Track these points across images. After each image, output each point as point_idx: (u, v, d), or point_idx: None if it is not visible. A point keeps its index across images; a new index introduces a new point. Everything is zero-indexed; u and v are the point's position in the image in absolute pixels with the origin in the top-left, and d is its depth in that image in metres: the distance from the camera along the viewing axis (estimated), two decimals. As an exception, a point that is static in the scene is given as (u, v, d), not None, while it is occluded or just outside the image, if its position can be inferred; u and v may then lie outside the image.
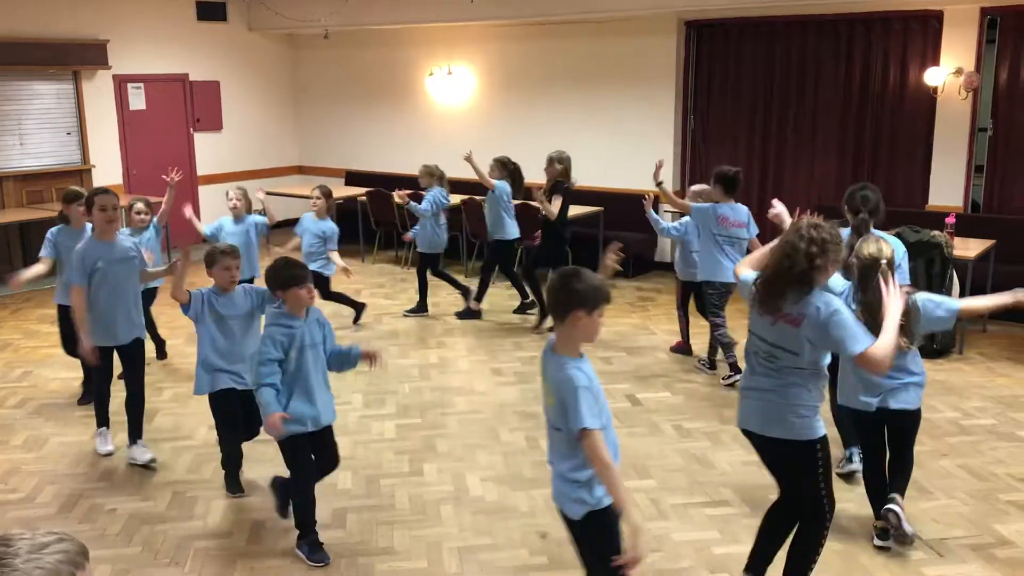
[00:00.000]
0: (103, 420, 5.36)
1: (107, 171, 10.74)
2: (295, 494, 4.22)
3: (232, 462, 4.87)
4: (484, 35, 10.79)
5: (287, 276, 4.00)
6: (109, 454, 5.28)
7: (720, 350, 6.60)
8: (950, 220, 7.29)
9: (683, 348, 7.15)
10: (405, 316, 8.26)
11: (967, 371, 6.73)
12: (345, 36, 11.71)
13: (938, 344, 6.88)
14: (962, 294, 7.14)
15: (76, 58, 10.25)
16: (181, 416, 5.93)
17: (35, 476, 5.09)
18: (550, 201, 7.53)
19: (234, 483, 4.86)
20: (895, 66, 8.59)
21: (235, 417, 4.74)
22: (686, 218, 6.75)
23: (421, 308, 8.32)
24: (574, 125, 10.25)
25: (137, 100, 11.06)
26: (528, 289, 8.08)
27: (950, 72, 8.21)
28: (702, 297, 6.70)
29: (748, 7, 8.77)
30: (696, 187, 6.94)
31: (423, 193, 8.20)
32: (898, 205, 8.21)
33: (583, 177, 10.27)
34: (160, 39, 11.14)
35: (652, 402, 6.16)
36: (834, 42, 8.87)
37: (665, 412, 5.96)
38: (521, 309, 8.35)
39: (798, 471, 3.52)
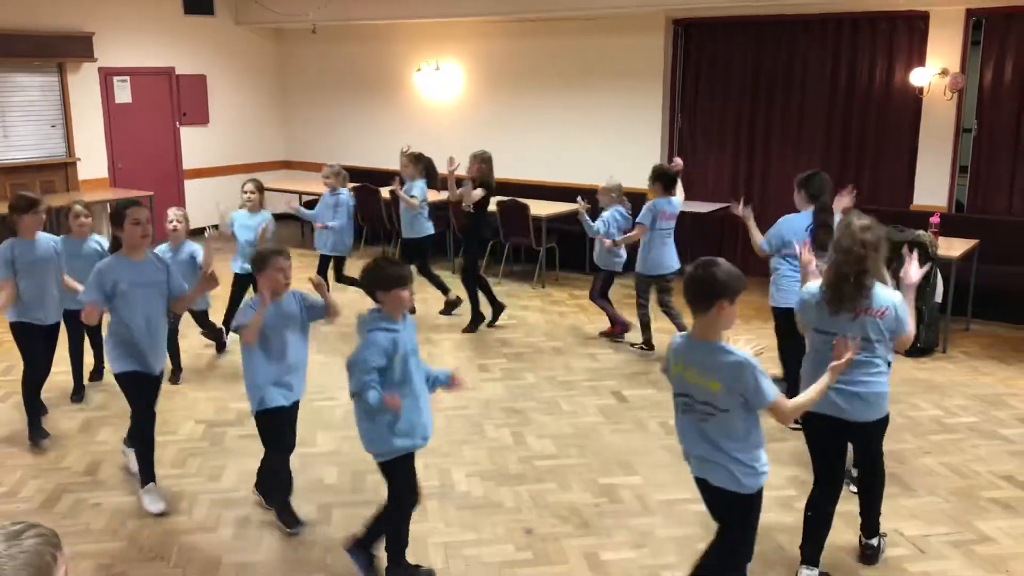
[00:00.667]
0: (150, 473, 4.65)
1: (92, 164, 10.68)
2: (392, 523, 3.83)
3: (283, 488, 4.46)
4: (472, 31, 10.78)
5: (391, 275, 3.64)
6: (163, 513, 4.55)
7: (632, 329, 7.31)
8: (934, 220, 7.34)
9: (621, 331, 7.51)
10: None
11: (950, 369, 6.78)
12: (333, 31, 11.67)
13: (922, 343, 6.93)
14: (945, 293, 7.20)
15: (61, 50, 10.18)
16: (166, 411, 5.89)
17: (18, 470, 5.07)
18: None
19: (290, 515, 4.39)
20: (881, 66, 8.63)
21: (285, 436, 4.38)
22: (606, 214, 7.30)
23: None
24: (561, 122, 10.26)
25: (123, 93, 11.00)
26: (467, 293, 7.82)
27: (935, 73, 8.26)
28: (607, 283, 7.44)
29: (736, 6, 8.80)
30: (606, 183, 7.44)
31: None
32: (883, 205, 8.26)
33: (569, 174, 10.33)
34: (146, 32, 11.07)
35: (638, 399, 6.18)
36: (821, 42, 8.91)
37: (651, 409, 5.98)
38: (447, 309, 8.24)
39: (879, 438, 3.96)
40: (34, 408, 5.48)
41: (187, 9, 11.47)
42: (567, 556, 4.16)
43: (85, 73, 10.54)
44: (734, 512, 3.28)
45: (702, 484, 3.32)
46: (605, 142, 9.88)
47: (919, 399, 6.11)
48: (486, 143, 10.70)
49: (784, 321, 5.25)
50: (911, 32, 8.43)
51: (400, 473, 3.77)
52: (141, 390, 4.59)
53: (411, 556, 4.14)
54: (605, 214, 7.30)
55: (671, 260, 6.97)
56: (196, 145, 11.75)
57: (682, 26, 9.63)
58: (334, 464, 5.09)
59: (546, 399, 6.14)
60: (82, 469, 5.08)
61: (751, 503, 3.24)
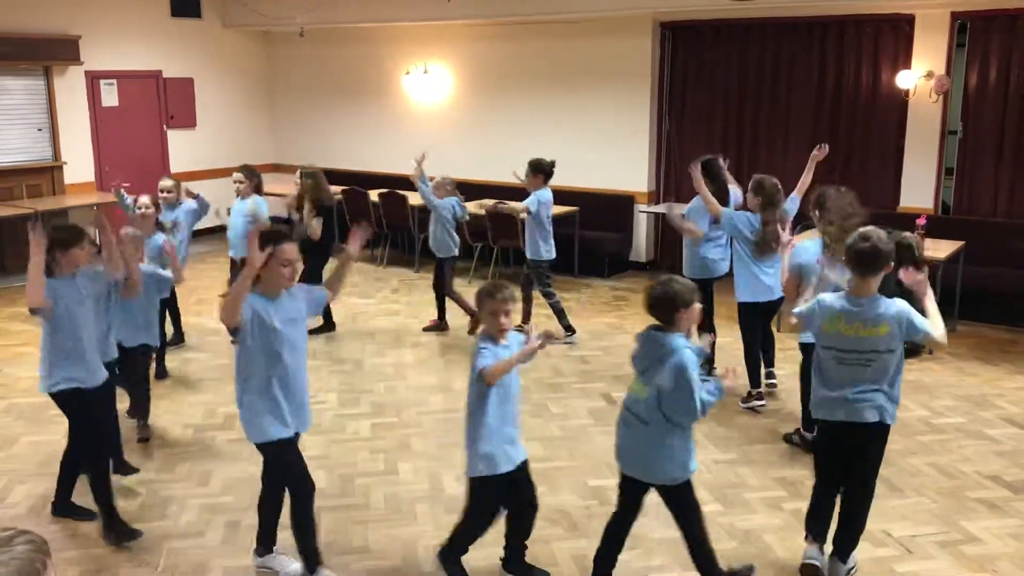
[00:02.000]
0: (272, 538, 4.08)
1: (79, 168, 10.63)
2: (705, 534, 3.79)
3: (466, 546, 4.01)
4: (460, 34, 10.78)
5: (691, 288, 3.55)
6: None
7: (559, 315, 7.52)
8: (921, 221, 7.38)
9: (440, 326, 7.80)
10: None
11: (937, 371, 6.82)
12: (321, 34, 11.65)
13: (908, 344, 6.96)
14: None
15: (47, 54, 10.12)
16: (153, 416, 5.87)
17: (5, 476, 5.04)
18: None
19: (460, 569, 3.98)
20: (867, 69, 8.68)
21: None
22: (450, 199, 7.67)
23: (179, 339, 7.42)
24: (549, 125, 10.26)
25: (110, 96, 10.95)
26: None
27: (921, 75, 8.32)
28: (444, 273, 7.69)
29: (723, 9, 8.83)
30: (438, 179, 7.74)
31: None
32: (870, 206, 8.27)
33: (557, 177, 10.29)
34: (133, 35, 11.03)
35: (627, 401, 6.18)
36: (808, 45, 8.95)
37: (640, 411, 5.98)
38: None
39: None
40: (107, 497, 4.33)
41: (174, 12, 11.43)
42: (556, 559, 4.16)
43: (71, 76, 10.49)
44: (877, 445, 3.86)
45: (846, 426, 3.79)
46: (593, 145, 9.90)
47: (907, 400, 6.12)
48: (474, 146, 10.76)
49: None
50: (896, 35, 8.48)
51: (692, 489, 3.70)
52: (295, 455, 3.89)
53: (398, 559, 4.14)
54: (443, 201, 7.63)
55: (547, 249, 7.46)
56: (184, 148, 11.71)
57: (669, 29, 9.66)
58: (323, 468, 5.08)
59: (535, 401, 6.14)
60: (69, 474, 5.04)
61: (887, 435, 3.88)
